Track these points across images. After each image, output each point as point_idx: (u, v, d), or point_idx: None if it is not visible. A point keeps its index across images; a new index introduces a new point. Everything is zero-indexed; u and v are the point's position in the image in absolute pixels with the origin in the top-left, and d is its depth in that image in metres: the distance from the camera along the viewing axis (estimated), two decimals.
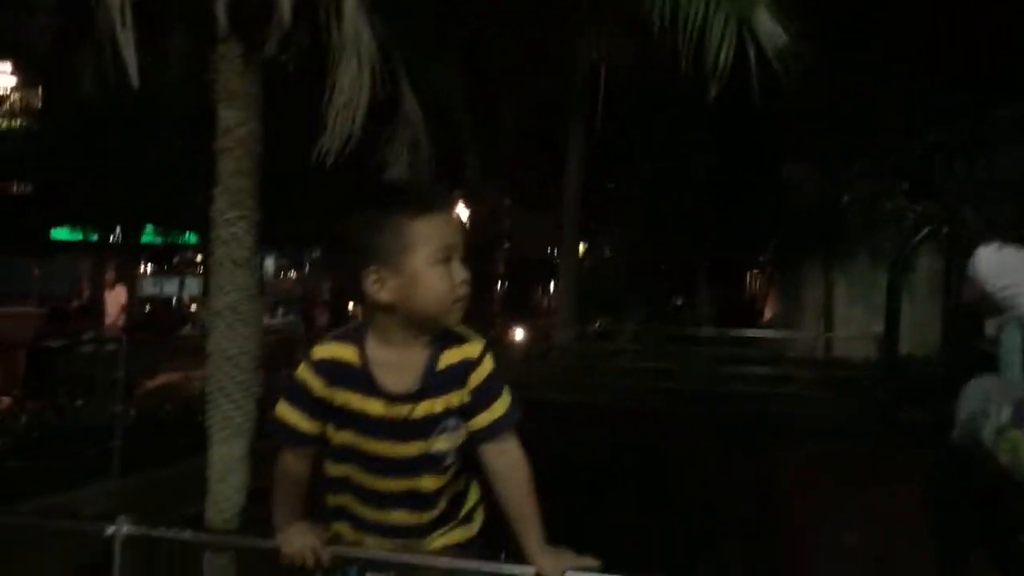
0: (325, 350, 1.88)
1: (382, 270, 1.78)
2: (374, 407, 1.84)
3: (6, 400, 8.74)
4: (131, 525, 2.00)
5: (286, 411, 1.88)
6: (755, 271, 26.30)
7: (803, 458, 9.08)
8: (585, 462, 8.76)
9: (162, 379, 10.52)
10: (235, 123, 2.75)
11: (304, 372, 1.87)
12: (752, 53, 2.93)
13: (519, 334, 18.59)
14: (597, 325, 19.04)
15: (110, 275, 14.03)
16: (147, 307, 26.92)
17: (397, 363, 1.85)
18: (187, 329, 24.55)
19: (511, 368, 14.63)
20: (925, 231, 6.51)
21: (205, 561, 2.78)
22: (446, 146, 13.33)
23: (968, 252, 1.87)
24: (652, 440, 10.36)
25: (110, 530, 2.00)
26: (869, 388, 12.77)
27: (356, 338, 1.87)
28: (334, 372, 1.85)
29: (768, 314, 20.44)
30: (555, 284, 20.96)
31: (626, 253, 22.21)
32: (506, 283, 26.66)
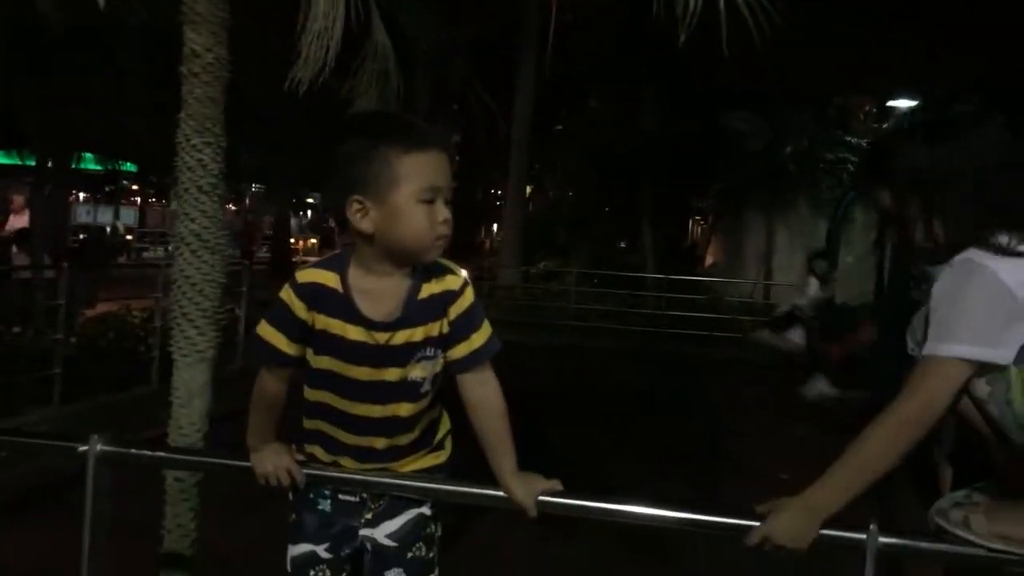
0: (308, 275, 1.90)
1: (366, 200, 1.79)
2: (354, 333, 1.87)
3: None
4: (104, 444, 2.03)
5: (267, 331, 1.91)
6: (698, 217, 26.63)
7: (736, 396, 9.44)
8: (531, 397, 8.94)
9: (102, 308, 10.36)
10: (202, 48, 2.68)
11: (287, 295, 1.89)
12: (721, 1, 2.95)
13: (463, 274, 18.59)
14: (542, 266, 19.17)
15: (18, 199, 13.54)
16: (80, 236, 26.33)
17: (378, 291, 1.88)
18: (122, 259, 24.14)
19: None
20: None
21: (168, 483, 2.82)
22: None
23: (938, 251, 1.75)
24: (594, 378, 10.63)
25: (83, 448, 2.02)
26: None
27: (338, 265, 1.89)
28: (315, 296, 1.87)
29: (709, 260, 20.77)
30: (500, 224, 20.94)
31: (571, 195, 22.28)
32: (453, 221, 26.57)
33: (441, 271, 1.91)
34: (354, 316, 1.86)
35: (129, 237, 30.55)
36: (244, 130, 10.23)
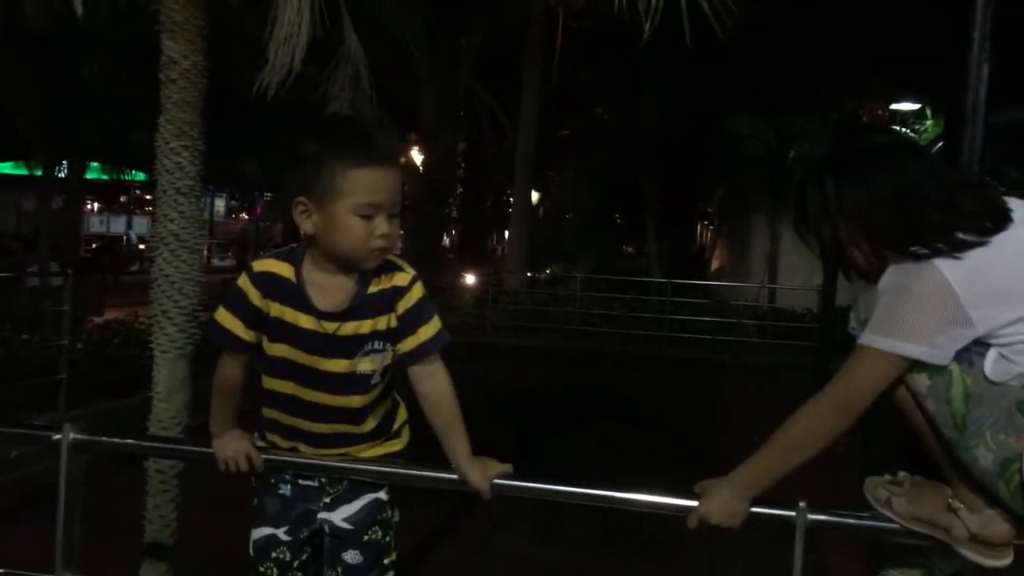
0: (264, 264, 2.01)
1: (309, 204, 1.90)
2: (305, 321, 1.97)
3: None
4: (78, 432, 2.12)
5: (225, 317, 2.01)
6: (705, 222, 26.64)
7: (736, 398, 9.47)
8: (533, 399, 9.03)
9: (110, 315, 10.52)
10: (179, 55, 2.79)
11: (243, 282, 1.99)
12: None
13: (471, 279, 18.70)
14: (548, 272, 19.25)
15: None
16: (93, 245, 26.65)
17: (329, 285, 1.97)
18: (134, 267, 24.38)
19: (462, 312, 14.81)
20: None
21: (149, 474, 2.92)
22: (402, 88, 13.35)
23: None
24: (598, 380, 10.69)
25: (57, 436, 2.12)
26: (806, 337, 13.20)
27: (293, 257, 2.00)
28: (270, 285, 1.98)
29: (715, 264, 20.80)
30: (508, 231, 21.04)
31: (578, 202, 22.36)
32: (459, 228, 26.68)
33: (391, 268, 2.00)
34: (305, 305, 1.96)
35: (142, 246, 30.80)
36: (248, 138, 10.38)
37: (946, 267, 1.66)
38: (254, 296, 1.97)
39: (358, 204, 1.86)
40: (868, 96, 17.09)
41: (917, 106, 15.76)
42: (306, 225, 1.91)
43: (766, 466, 1.81)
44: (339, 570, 2.10)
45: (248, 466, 2.05)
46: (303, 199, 1.89)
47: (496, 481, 1.98)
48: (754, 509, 1.81)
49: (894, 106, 16.13)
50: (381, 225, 1.89)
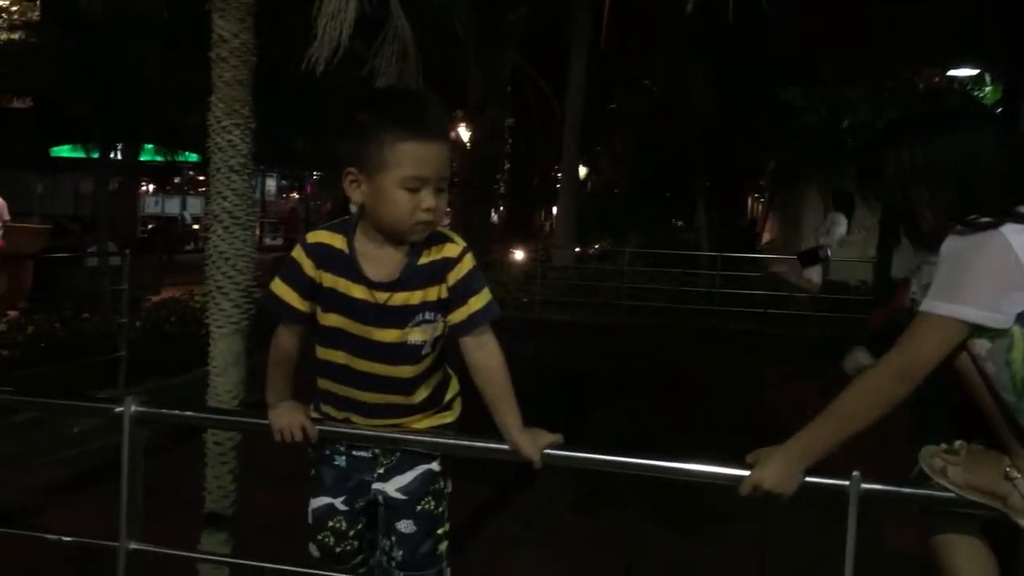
0: (317, 236, 2.05)
1: (359, 175, 1.93)
2: (357, 291, 2.00)
3: (13, 313, 8.93)
4: (139, 405, 2.18)
5: (280, 288, 2.05)
6: (756, 195, 26.29)
7: (789, 372, 9.36)
8: (583, 373, 9.04)
9: (166, 293, 10.74)
10: (229, 33, 2.83)
11: (297, 253, 2.04)
12: None
13: (519, 254, 18.71)
14: (596, 247, 19.18)
15: None
16: (149, 225, 27.20)
17: (379, 255, 2.01)
18: (188, 247, 24.84)
19: (510, 288, 14.84)
20: None
21: (208, 446, 2.99)
22: (449, 65, 13.35)
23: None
24: (648, 355, 10.64)
25: (119, 408, 2.18)
26: (860, 310, 12.97)
27: (345, 229, 2.03)
28: (323, 256, 2.01)
29: (767, 237, 20.54)
30: (556, 206, 20.99)
31: (627, 176, 22.21)
32: (507, 204, 26.69)
33: (441, 240, 2.03)
34: (357, 275, 2.00)
35: (196, 226, 31.29)
36: (297, 117, 10.45)
37: (1011, 234, 1.67)
38: (308, 267, 2.01)
39: (404, 177, 1.89)
40: (925, 62, 16.63)
41: (975, 72, 15.32)
42: (355, 195, 1.94)
43: (822, 434, 1.81)
44: (393, 539, 2.14)
45: (303, 436, 2.09)
46: (352, 169, 1.93)
47: (547, 451, 1.99)
48: (808, 479, 1.80)
49: (952, 72, 15.70)
50: (427, 199, 1.91)
